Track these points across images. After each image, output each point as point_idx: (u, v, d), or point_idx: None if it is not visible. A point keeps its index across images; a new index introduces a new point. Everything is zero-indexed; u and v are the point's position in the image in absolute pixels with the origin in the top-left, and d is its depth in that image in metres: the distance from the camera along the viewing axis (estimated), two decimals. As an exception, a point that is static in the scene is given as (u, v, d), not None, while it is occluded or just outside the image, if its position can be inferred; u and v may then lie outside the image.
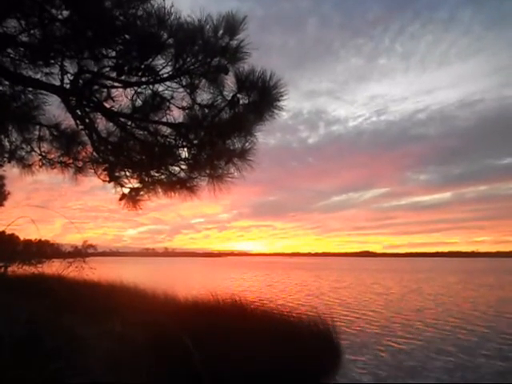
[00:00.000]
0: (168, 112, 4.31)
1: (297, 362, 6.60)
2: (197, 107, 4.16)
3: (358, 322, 12.65)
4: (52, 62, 3.98)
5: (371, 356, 8.63)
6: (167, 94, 4.22)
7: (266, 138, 4.37)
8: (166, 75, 3.96)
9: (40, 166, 5.49)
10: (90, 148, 5.10)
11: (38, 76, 4.14)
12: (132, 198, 5.05)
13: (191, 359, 4.81)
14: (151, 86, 4.18)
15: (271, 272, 51.56)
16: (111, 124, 4.57)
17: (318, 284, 30.01)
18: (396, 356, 8.65)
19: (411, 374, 7.51)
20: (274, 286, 27.81)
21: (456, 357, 8.57)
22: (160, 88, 4.20)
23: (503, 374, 7.53)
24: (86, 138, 5.03)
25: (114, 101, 4.34)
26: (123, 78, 3.99)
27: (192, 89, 4.09)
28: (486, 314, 14.34)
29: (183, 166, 4.65)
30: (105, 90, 4.35)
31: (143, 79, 4.01)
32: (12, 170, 5.64)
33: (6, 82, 4.49)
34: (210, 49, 3.74)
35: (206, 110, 4.12)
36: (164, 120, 4.34)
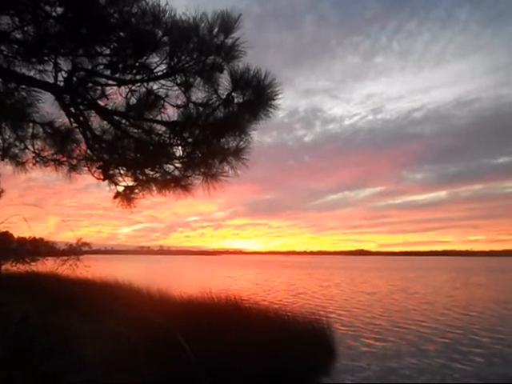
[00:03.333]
0: (162, 110, 4.29)
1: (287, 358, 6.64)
2: (191, 105, 4.15)
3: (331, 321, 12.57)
4: (46, 59, 3.95)
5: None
6: (162, 92, 4.21)
7: (261, 136, 4.37)
8: (160, 73, 3.95)
9: (34, 164, 5.46)
10: (84, 146, 5.07)
11: (32, 73, 4.11)
12: (126, 196, 5.05)
13: (186, 357, 4.81)
14: (146, 84, 4.16)
15: (263, 270, 51.64)
16: (105, 122, 4.55)
17: (306, 283, 30.14)
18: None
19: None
20: (262, 285, 27.99)
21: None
22: (154, 86, 4.19)
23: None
24: (80, 136, 5.00)
25: (108, 99, 4.32)
26: (117, 75, 3.97)
27: (187, 87, 4.08)
28: (462, 315, 14.33)
29: (178, 165, 4.65)
30: (99, 87, 4.32)
31: (138, 77, 4.00)
32: (5, 168, 5.61)
33: (0, 80, 4.46)
34: (204, 47, 3.73)
35: (201, 109, 4.11)
36: (158, 118, 4.33)
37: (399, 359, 8.36)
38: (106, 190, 5.08)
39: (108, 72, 3.97)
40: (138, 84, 4.14)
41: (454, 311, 15.07)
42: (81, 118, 4.50)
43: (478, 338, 10.40)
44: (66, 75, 4.00)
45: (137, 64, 3.84)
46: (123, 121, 4.51)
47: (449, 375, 7.41)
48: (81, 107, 4.44)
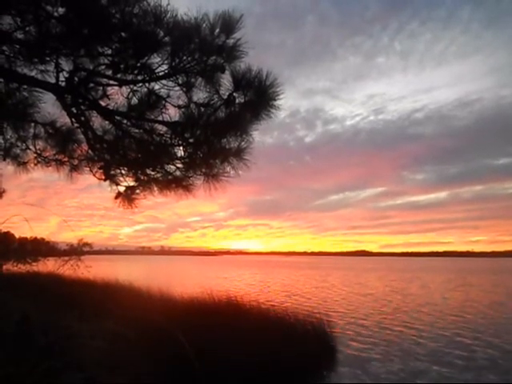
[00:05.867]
0: (164, 110, 4.30)
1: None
2: (193, 106, 4.15)
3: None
4: (47, 59, 3.96)
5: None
6: (163, 92, 4.21)
7: (262, 136, 4.38)
8: (162, 73, 3.95)
9: (35, 164, 5.47)
10: (85, 146, 5.08)
11: (34, 73, 4.11)
12: (127, 196, 5.05)
13: (187, 357, 4.81)
14: (147, 85, 4.17)
15: (261, 271, 51.57)
16: (107, 122, 4.55)
17: (301, 283, 30.10)
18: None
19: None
20: (255, 286, 28.08)
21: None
22: (156, 86, 4.19)
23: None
24: (81, 136, 5.01)
25: (109, 99, 4.33)
26: (119, 76, 3.97)
27: (188, 87, 4.08)
28: (452, 319, 13.94)
29: (179, 165, 4.65)
30: (100, 88, 4.33)
31: (139, 77, 4.00)
32: (7, 168, 5.62)
33: (1, 80, 4.46)
34: (206, 47, 3.74)
35: (202, 109, 4.12)
36: (160, 118, 4.33)
37: (373, 363, 8.29)
38: (108, 191, 5.09)
39: (109, 72, 3.98)
40: (140, 84, 4.14)
41: (444, 315, 14.78)
42: (82, 118, 4.50)
43: (461, 344, 10.21)
44: (67, 75, 4.01)
45: (138, 64, 3.84)
46: (124, 121, 4.51)
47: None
48: (82, 107, 4.44)
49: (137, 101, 4.31)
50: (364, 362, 8.35)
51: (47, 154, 5.42)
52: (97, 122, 4.61)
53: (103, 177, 4.97)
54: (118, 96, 4.29)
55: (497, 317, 14.44)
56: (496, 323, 13.08)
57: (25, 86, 4.61)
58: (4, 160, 5.43)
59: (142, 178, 4.95)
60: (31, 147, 5.40)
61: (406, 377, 7.44)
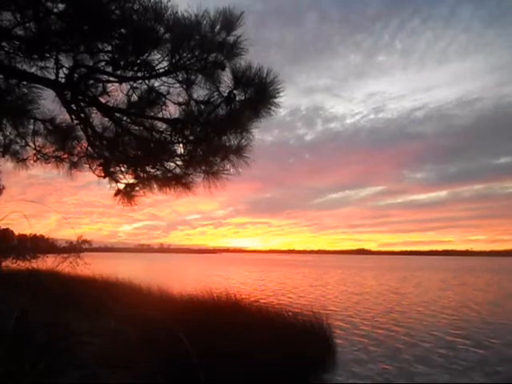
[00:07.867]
0: (164, 107, 4.29)
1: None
2: (193, 103, 4.14)
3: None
4: (47, 55, 3.94)
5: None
6: (163, 89, 4.20)
7: (262, 134, 4.37)
8: (162, 70, 3.93)
9: (34, 161, 5.45)
10: (85, 143, 5.07)
11: (33, 70, 4.10)
12: (127, 193, 5.04)
13: (187, 355, 4.80)
14: (147, 81, 4.16)
15: (258, 269, 51.63)
16: (106, 119, 4.54)
17: (296, 282, 30.18)
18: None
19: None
20: (249, 284, 28.22)
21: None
22: (156, 83, 4.18)
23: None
24: (81, 133, 5.00)
25: (109, 96, 4.31)
26: (119, 72, 3.96)
27: (188, 84, 4.07)
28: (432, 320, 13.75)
29: (179, 162, 4.64)
30: (100, 84, 4.31)
31: (139, 74, 3.98)
32: (6, 165, 5.60)
33: (1, 76, 4.44)
34: (206, 44, 3.72)
35: (202, 106, 4.11)
36: (160, 115, 4.32)
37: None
38: (107, 188, 5.08)
39: (109, 69, 3.96)
40: (140, 81, 4.13)
41: (431, 316, 14.64)
42: (82, 115, 4.49)
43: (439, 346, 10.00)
44: (67, 72, 3.99)
45: (138, 61, 3.82)
46: (124, 118, 4.49)
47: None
48: (82, 104, 4.42)
49: (137, 98, 4.29)
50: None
51: (47, 150, 5.41)
52: (96, 118, 4.60)
53: (103, 174, 4.96)
54: (117, 93, 4.28)
55: (482, 321, 13.86)
56: (478, 326, 12.81)
57: (24, 83, 4.58)
58: (3, 156, 5.41)
59: (142, 175, 4.94)
60: (31, 144, 5.38)
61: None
